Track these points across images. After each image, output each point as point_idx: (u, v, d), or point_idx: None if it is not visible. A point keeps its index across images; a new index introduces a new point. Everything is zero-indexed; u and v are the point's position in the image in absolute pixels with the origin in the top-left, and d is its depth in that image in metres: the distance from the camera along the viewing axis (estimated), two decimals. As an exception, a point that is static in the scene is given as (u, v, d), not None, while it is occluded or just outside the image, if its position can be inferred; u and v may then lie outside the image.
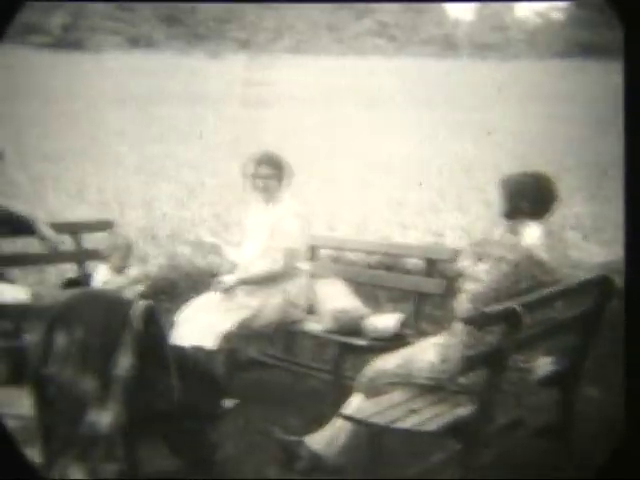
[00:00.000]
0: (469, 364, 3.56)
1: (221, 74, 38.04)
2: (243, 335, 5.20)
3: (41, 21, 52.86)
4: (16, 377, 3.65)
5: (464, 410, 3.62)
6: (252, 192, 5.28)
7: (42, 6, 54.58)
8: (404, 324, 4.96)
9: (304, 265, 5.32)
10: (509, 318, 3.45)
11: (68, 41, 51.60)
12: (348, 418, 3.81)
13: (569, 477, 3.67)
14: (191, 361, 3.62)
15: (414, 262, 6.71)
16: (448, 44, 32.61)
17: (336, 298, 5.28)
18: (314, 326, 5.26)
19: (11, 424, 3.65)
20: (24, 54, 42.79)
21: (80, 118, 19.25)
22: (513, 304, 3.46)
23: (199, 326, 4.90)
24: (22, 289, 5.09)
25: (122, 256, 5.08)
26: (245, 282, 5.14)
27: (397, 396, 3.80)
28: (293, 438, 4.15)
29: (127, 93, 26.59)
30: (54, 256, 5.66)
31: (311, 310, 5.34)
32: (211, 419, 3.54)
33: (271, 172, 5.22)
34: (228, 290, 5.12)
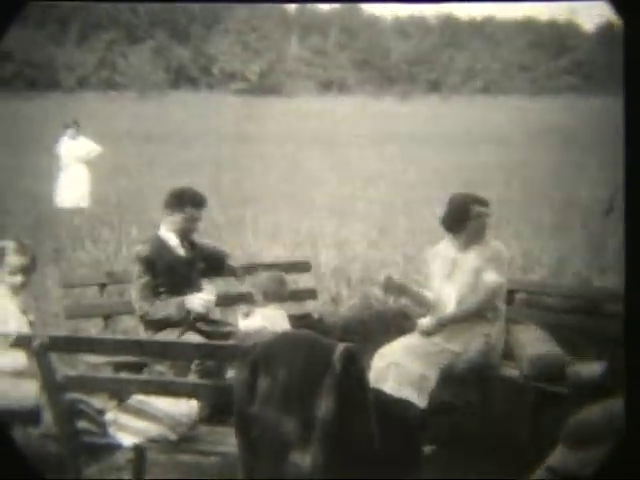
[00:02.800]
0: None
1: (411, 116, 38.35)
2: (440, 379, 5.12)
3: (240, 68, 55.20)
4: (220, 415, 3.74)
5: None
6: (474, 234, 5.19)
7: (241, 54, 57.04)
8: (608, 373, 4.74)
9: (503, 307, 5.21)
10: None
11: (264, 86, 53.70)
12: (552, 470, 3.66)
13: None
14: (390, 405, 3.59)
15: (616, 307, 6.44)
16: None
17: (534, 343, 5.12)
18: (511, 371, 5.12)
19: (214, 461, 3.75)
20: (224, 100, 44.68)
21: (274, 161, 19.86)
22: None
23: (404, 377, 4.84)
24: None
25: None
26: (443, 324, 5.07)
27: (604, 450, 3.61)
28: (493, 487, 4.05)
29: (319, 136, 27.24)
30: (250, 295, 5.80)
31: (507, 355, 5.20)
32: (411, 465, 3.49)
33: (488, 211, 5.18)
34: (427, 334, 5.07)
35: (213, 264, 5.65)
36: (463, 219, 5.19)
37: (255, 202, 13.42)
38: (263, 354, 3.31)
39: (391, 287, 5.36)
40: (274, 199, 13.82)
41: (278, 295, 5.15)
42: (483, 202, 5.20)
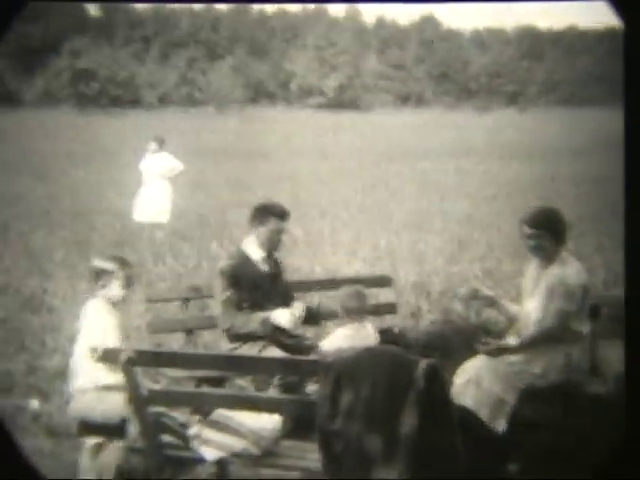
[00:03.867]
0: None
1: (490, 128, 38.02)
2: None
3: (318, 83, 55.53)
4: (302, 430, 3.74)
5: None
6: (533, 253, 5.12)
7: (319, 70, 57.38)
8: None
9: (585, 327, 5.10)
10: None
11: (342, 101, 53.92)
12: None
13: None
14: (474, 422, 3.55)
15: None
16: None
17: (621, 360, 5.01)
18: (597, 389, 5.02)
19: (296, 476, 3.74)
20: (302, 115, 44.96)
21: (352, 175, 19.86)
22: None
23: (482, 397, 4.76)
24: None
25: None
26: (525, 344, 4.99)
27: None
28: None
29: (396, 149, 27.18)
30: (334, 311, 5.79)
31: (594, 372, 5.10)
32: (496, 482, 3.45)
33: (542, 232, 5.05)
34: (507, 352, 4.99)
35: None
36: (521, 238, 5.14)
37: (334, 217, 13.43)
38: (346, 369, 3.30)
39: (478, 298, 5.33)
40: (353, 213, 13.82)
41: (359, 310, 5.15)
42: (534, 223, 5.07)
